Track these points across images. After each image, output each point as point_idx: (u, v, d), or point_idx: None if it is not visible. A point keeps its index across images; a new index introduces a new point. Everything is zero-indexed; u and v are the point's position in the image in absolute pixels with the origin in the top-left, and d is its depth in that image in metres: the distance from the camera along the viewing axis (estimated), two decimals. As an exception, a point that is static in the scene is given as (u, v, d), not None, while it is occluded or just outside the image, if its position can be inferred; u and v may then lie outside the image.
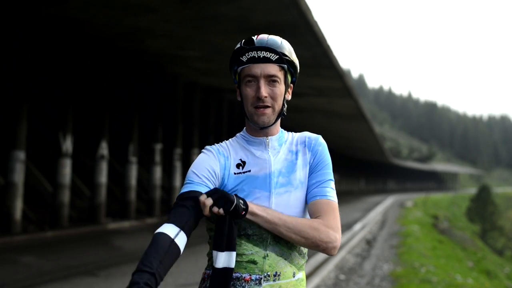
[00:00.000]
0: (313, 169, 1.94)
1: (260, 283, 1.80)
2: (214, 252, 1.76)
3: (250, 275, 1.81)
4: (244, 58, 1.88)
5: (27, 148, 12.69)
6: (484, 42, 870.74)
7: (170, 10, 12.11)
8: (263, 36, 1.90)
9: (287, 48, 1.91)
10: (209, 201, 1.74)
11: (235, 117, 24.95)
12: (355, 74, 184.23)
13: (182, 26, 13.39)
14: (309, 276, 8.81)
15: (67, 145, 13.56)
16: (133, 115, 17.09)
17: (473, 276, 11.30)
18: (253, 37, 1.91)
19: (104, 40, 15.01)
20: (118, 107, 18.65)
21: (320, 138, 2.00)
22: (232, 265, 1.76)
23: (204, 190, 1.80)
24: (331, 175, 1.95)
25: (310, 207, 1.88)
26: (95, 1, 11.84)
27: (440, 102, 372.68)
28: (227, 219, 1.75)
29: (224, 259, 1.75)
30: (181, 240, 1.71)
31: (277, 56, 1.87)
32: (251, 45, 1.88)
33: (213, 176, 1.86)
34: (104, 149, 15.25)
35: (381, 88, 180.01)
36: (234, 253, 1.76)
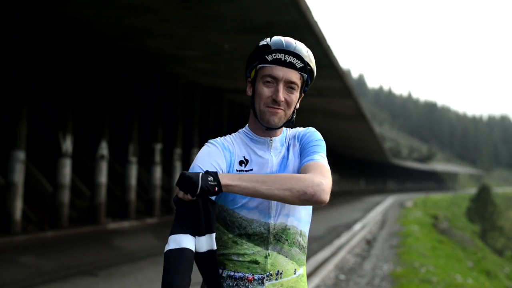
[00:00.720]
0: (302, 150, 1.92)
1: (262, 283, 1.81)
2: (196, 238, 1.70)
3: (253, 274, 1.81)
4: (269, 57, 1.86)
5: (27, 148, 12.68)
6: (484, 42, 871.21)
7: (170, 10, 12.11)
8: (291, 40, 1.89)
9: (311, 58, 1.92)
10: (177, 189, 1.72)
11: (235, 117, 24.91)
12: (355, 74, 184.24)
13: (182, 26, 13.39)
14: (309, 276, 8.81)
15: (67, 145, 13.56)
16: (133, 115, 17.09)
17: (473, 276, 11.31)
18: (281, 38, 1.89)
19: (104, 40, 15.02)
20: (118, 107, 18.65)
21: (309, 128, 1.99)
22: (215, 247, 1.73)
23: None
24: (323, 150, 1.90)
25: (301, 173, 1.84)
26: (95, 1, 11.84)
27: (440, 102, 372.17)
28: (199, 202, 1.69)
29: (207, 242, 1.72)
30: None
31: (302, 65, 1.87)
32: (279, 47, 1.87)
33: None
34: (104, 149, 15.25)
35: (381, 88, 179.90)
36: (214, 235, 1.72)
